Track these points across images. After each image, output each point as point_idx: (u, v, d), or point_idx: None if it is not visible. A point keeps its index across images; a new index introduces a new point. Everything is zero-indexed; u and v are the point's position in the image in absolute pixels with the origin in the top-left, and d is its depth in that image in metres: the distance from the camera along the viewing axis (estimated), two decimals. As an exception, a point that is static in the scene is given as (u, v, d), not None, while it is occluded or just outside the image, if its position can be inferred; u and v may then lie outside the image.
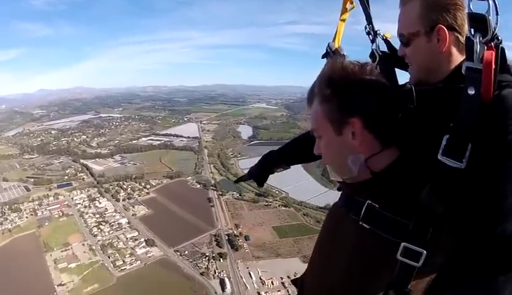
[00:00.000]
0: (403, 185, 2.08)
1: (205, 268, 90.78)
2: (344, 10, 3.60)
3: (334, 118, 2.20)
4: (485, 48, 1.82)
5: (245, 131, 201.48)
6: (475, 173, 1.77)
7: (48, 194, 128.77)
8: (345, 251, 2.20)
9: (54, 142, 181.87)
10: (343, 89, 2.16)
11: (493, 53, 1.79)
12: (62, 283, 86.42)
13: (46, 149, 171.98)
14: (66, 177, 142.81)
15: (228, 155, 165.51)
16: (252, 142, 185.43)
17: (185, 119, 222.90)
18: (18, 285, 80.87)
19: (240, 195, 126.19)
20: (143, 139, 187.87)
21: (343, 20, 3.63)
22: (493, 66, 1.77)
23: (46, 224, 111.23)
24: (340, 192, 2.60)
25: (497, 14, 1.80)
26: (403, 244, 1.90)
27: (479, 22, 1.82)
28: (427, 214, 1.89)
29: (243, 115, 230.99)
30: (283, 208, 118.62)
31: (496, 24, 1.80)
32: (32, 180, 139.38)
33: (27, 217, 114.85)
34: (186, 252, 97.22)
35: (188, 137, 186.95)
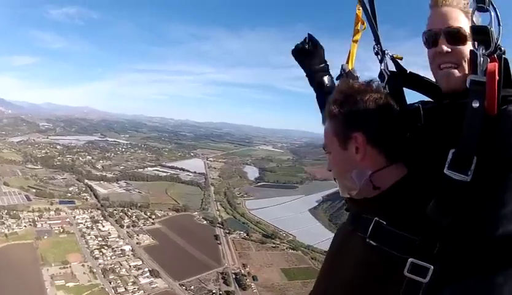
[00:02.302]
0: (410, 201, 2.13)
1: None
2: (356, 31, 3.61)
3: (339, 133, 2.33)
4: (489, 60, 1.89)
5: (252, 172, 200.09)
6: (480, 185, 1.82)
7: (49, 208, 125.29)
8: (351, 268, 2.24)
9: (58, 157, 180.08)
10: (347, 105, 2.31)
11: (496, 64, 1.85)
12: None
13: (50, 163, 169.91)
14: (69, 194, 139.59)
15: (234, 195, 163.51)
16: (259, 184, 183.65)
17: (191, 154, 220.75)
18: (12, 293, 77.50)
19: (247, 235, 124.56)
20: (149, 168, 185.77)
21: (355, 41, 3.64)
22: (497, 78, 1.83)
23: (46, 237, 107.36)
24: (348, 213, 2.66)
25: (499, 25, 1.91)
26: (410, 260, 1.92)
27: (481, 34, 1.92)
28: (434, 228, 1.92)
29: (249, 156, 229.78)
30: (291, 250, 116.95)
31: (499, 35, 1.91)
32: (34, 190, 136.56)
33: (25, 226, 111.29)
34: (192, 287, 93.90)
35: (195, 172, 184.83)
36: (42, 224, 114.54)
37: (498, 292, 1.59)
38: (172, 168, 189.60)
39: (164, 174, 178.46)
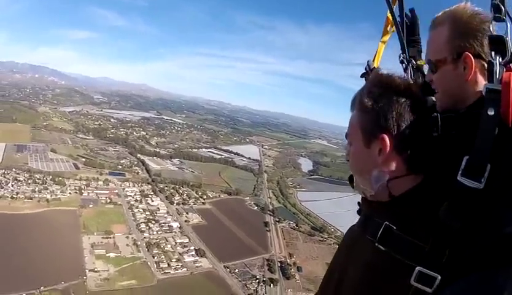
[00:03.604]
0: (422, 208, 2.08)
1: (254, 290, 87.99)
2: (385, 32, 3.85)
3: (366, 129, 2.23)
4: (504, 69, 1.90)
5: (306, 164, 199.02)
6: (492, 192, 1.82)
7: (98, 178, 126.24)
8: (357, 271, 2.21)
9: (112, 130, 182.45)
10: (382, 102, 2.19)
11: None
12: (96, 269, 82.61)
13: (102, 134, 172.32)
14: (120, 166, 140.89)
15: (287, 184, 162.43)
16: (312, 176, 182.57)
17: (247, 140, 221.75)
18: (46, 257, 77.38)
19: (296, 225, 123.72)
20: (203, 149, 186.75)
21: (383, 42, 3.88)
22: None
23: (91, 205, 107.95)
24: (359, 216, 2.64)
25: None
26: (417, 268, 1.88)
27: (497, 44, 1.93)
28: (445, 234, 1.89)
29: (304, 148, 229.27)
30: (337, 246, 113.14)
31: None
32: (83, 159, 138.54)
33: (70, 194, 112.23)
34: (237, 270, 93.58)
35: (249, 158, 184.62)
36: (88, 193, 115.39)
37: (499, 291, 1.60)
38: (226, 151, 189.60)
39: (219, 156, 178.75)
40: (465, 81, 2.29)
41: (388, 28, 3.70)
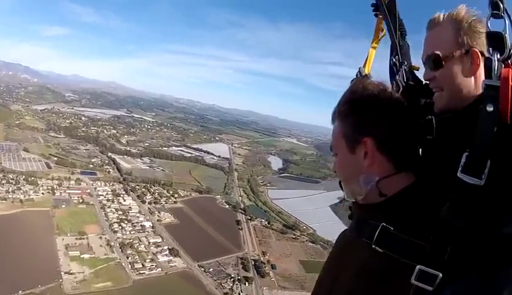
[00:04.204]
0: (419, 207, 2.10)
1: (230, 289, 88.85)
2: (376, 38, 3.86)
3: (348, 136, 2.27)
4: (503, 65, 1.91)
5: (275, 163, 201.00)
6: (493, 189, 1.82)
7: (70, 177, 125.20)
8: (353, 276, 2.17)
9: (83, 128, 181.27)
10: (359, 108, 2.25)
11: (511, 70, 1.86)
12: (71, 271, 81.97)
13: (74, 133, 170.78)
14: (91, 165, 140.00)
15: (258, 182, 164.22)
16: (282, 175, 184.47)
17: (217, 138, 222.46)
18: (21, 259, 76.37)
19: (268, 223, 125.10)
20: (174, 148, 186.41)
21: (374, 47, 3.87)
22: (510, 83, 1.84)
23: (63, 206, 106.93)
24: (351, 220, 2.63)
25: None
26: (418, 267, 1.86)
27: (496, 40, 1.93)
28: (446, 232, 1.88)
29: (273, 146, 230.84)
30: (310, 243, 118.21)
31: None
32: (55, 158, 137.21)
33: (43, 194, 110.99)
34: (211, 269, 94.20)
35: (219, 156, 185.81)
36: (60, 193, 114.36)
37: (500, 291, 1.61)
38: (197, 149, 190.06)
39: (189, 155, 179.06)
40: (470, 77, 2.30)
41: (379, 33, 3.75)
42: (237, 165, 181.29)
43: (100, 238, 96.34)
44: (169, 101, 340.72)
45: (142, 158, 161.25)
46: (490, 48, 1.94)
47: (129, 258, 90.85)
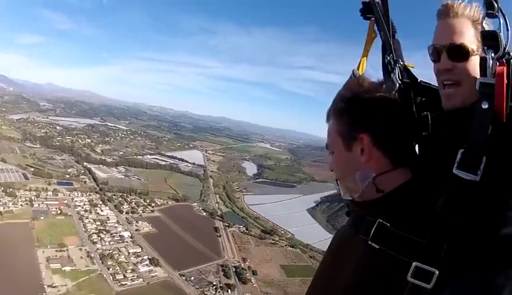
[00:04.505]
0: (415, 204, 2.11)
1: None
2: (368, 40, 3.71)
3: (344, 133, 2.27)
4: (498, 63, 1.94)
5: (250, 168, 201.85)
6: (489, 185, 1.84)
7: (47, 188, 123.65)
8: (350, 272, 2.15)
9: (58, 138, 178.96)
10: (355, 105, 2.25)
11: (505, 68, 1.90)
12: (54, 284, 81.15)
13: (49, 143, 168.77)
14: (68, 176, 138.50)
15: (233, 189, 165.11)
16: (257, 180, 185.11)
17: (191, 145, 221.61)
18: (4, 273, 74.89)
19: (247, 229, 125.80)
20: (148, 156, 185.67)
21: (367, 49, 3.72)
22: (505, 80, 1.87)
23: (42, 217, 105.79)
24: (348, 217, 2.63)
25: (508, 30, 1.95)
26: (414, 264, 1.86)
27: (491, 39, 1.96)
28: (442, 228, 1.89)
29: (247, 152, 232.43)
30: (289, 248, 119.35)
31: (508, 40, 1.95)
32: (32, 169, 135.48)
33: (21, 205, 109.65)
34: (192, 278, 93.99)
35: (194, 163, 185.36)
36: (39, 204, 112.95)
37: (499, 292, 1.61)
38: (171, 157, 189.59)
39: (164, 163, 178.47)
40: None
41: (371, 35, 3.65)
42: (212, 171, 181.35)
43: (80, 249, 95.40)
44: (142, 109, 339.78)
45: (118, 167, 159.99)
46: (485, 47, 1.96)
47: (110, 269, 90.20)
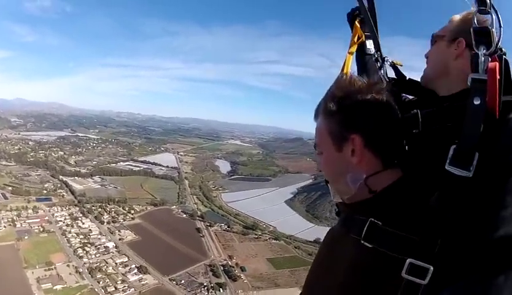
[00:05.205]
0: (406, 202, 2.08)
1: None
2: (353, 43, 3.81)
3: (335, 133, 2.22)
4: (490, 59, 1.92)
5: (224, 166, 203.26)
6: (482, 182, 1.82)
7: (26, 206, 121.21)
8: (343, 272, 2.11)
9: (31, 153, 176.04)
10: (346, 104, 2.20)
11: (497, 63, 1.88)
12: None
13: (24, 159, 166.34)
14: (45, 191, 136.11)
15: (210, 188, 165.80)
16: (232, 177, 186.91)
17: (162, 149, 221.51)
18: None
19: (228, 227, 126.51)
20: (121, 163, 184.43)
21: (351, 53, 3.80)
22: (498, 76, 1.86)
23: (26, 237, 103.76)
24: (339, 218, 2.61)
25: (500, 27, 1.98)
26: (408, 260, 1.83)
27: (483, 35, 1.96)
28: (436, 224, 1.85)
29: (219, 150, 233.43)
30: (273, 240, 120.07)
31: (500, 36, 1.97)
32: (9, 188, 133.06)
33: (5, 227, 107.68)
34: (183, 281, 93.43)
35: (167, 166, 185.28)
36: (21, 224, 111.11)
37: (498, 291, 1.59)
38: (144, 162, 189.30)
39: (137, 168, 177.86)
40: (453, 59, 2.50)
41: (356, 39, 3.78)
42: (186, 172, 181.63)
43: (68, 266, 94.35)
44: (110, 116, 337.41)
45: (93, 177, 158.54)
46: (477, 43, 1.99)
47: (101, 282, 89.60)
